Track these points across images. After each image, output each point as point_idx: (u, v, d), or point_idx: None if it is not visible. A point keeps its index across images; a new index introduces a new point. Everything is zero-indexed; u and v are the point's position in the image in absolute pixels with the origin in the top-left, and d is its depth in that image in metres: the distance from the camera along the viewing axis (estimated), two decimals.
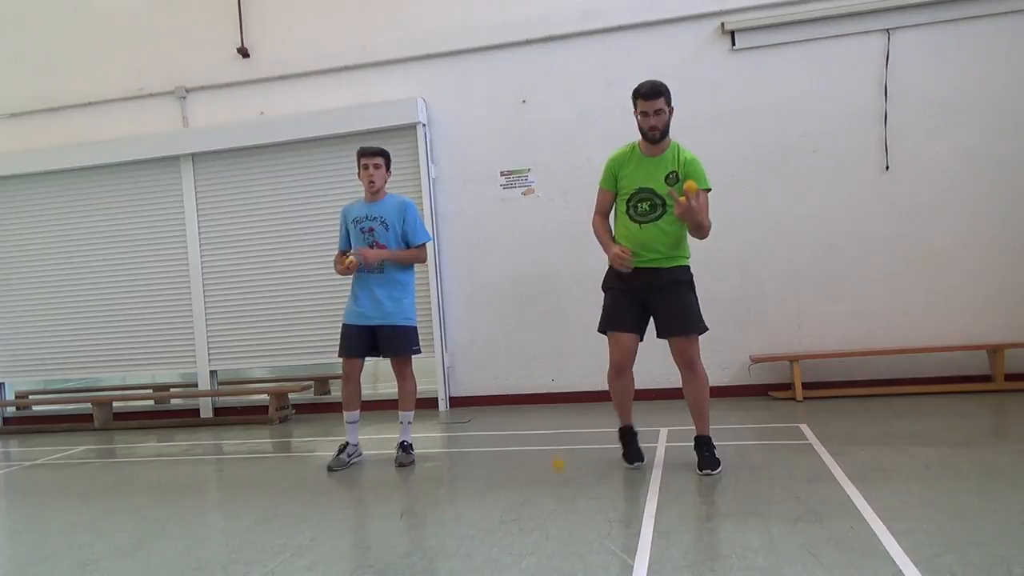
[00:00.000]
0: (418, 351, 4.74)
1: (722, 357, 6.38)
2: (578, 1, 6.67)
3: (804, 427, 4.94)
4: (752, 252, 6.38)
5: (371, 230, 4.58)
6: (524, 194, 6.81)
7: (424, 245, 4.71)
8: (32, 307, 7.81)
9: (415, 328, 4.72)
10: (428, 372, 7.34)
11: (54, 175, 7.70)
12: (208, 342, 7.40)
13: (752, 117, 6.36)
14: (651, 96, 3.91)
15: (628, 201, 4.03)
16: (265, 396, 7.11)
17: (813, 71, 6.28)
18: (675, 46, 6.51)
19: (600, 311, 4.19)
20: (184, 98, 7.53)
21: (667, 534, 3.04)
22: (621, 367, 4.10)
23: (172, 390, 8.64)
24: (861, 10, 6.13)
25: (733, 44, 6.40)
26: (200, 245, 7.41)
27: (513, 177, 6.83)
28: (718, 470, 3.95)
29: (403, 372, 4.71)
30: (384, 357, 4.71)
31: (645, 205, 3.99)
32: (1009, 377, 5.85)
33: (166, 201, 7.50)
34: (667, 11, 6.50)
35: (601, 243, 4.14)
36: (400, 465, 4.62)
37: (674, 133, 6.33)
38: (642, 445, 4.61)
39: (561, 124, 6.68)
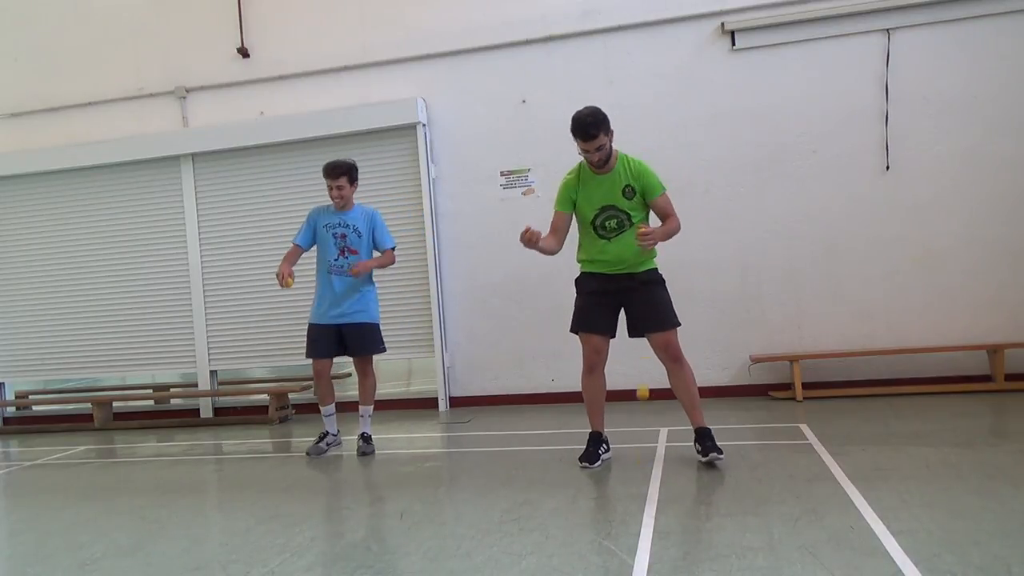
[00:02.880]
0: (383, 349, 5.12)
1: (722, 357, 6.38)
2: (578, 1, 6.67)
3: (804, 427, 4.94)
4: (752, 252, 6.38)
5: (343, 236, 4.99)
6: (524, 194, 6.81)
7: (392, 250, 5.13)
8: (32, 307, 7.81)
9: (379, 326, 5.10)
10: (428, 372, 7.35)
11: (54, 175, 7.69)
12: (208, 342, 7.40)
13: (752, 117, 6.36)
14: (588, 139, 3.94)
15: (594, 221, 4.12)
16: (265, 396, 7.11)
17: (813, 71, 6.28)
18: (675, 46, 6.51)
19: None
20: (184, 98, 7.53)
21: (667, 534, 3.04)
22: (592, 365, 4.23)
23: (172, 390, 8.63)
24: (861, 10, 6.13)
25: (733, 44, 6.40)
26: (200, 245, 7.40)
27: (513, 177, 6.83)
28: (723, 456, 4.02)
29: (366, 369, 5.07)
30: (352, 356, 5.06)
31: (612, 222, 4.09)
32: (1009, 377, 5.85)
33: (166, 201, 7.49)
34: (667, 11, 6.50)
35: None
36: (362, 455, 4.98)
37: (674, 133, 6.38)
38: (642, 445, 4.61)
39: (561, 124, 6.53)
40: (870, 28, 6.17)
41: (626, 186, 4.07)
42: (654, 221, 4.21)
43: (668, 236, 4.08)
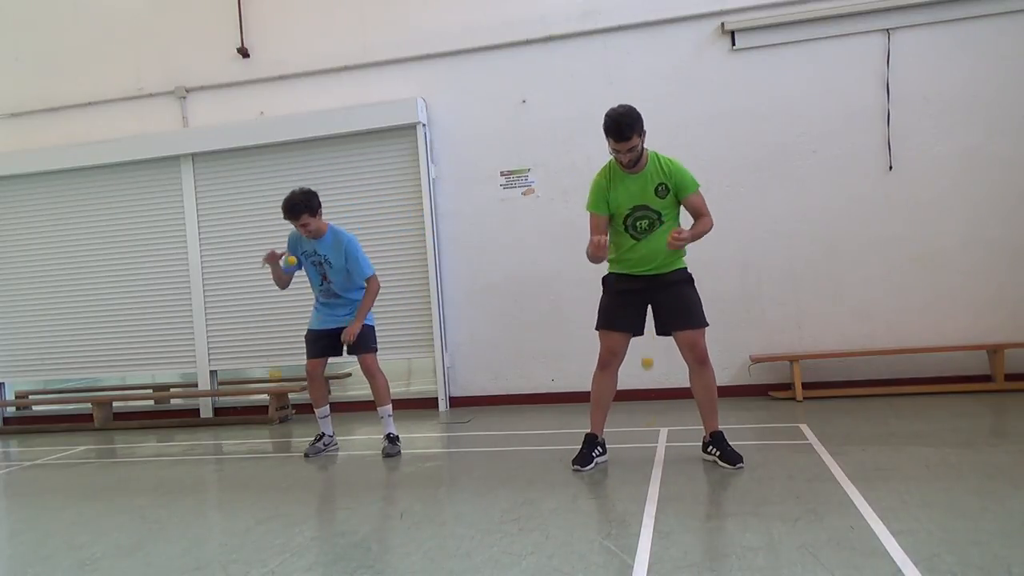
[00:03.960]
0: (374, 348, 5.09)
1: (722, 357, 6.35)
2: (578, 1, 6.67)
3: (804, 427, 4.94)
4: (752, 252, 6.38)
5: (321, 264, 5.03)
6: (524, 194, 6.81)
7: (372, 277, 5.02)
8: (32, 307, 7.81)
9: (372, 327, 5.10)
10: (428, 372, 7.35)
11: (54, 175, 7.69)
12: (208, 342, 7.40)
13: (752, 117, 6.36)
14: (621, 139, 3.83)
15: (625, 220, 4.06)
16: (265, 396, 7.11)
17: (813, 71, 6.28)
18: (675, 46, 6.51)
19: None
20: (184, 98, 7.53)
21: (667, 534, 3.04)
22: (606, 363, 4.22)
23: (172, 390, 8.63)
24: (861, 10, 6.13)
25: (733, 44, 6.40)
26: (200, 245, 7.40)
27: (513, 177, 6.83)
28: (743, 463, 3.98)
29: (370, 370, 5.06)
30: (350, 355, 5.13)
31: (644, 223, 4.04)
32: (1009, 377, 5.85)
33: (166, 201, 7.49)
34: (667, 11, 6.50)
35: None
36: (387, 455, 4.92)
37: (674, 133, 6.38)
38: (642, 445, 4.60)
39: (561, 124, 6.68)
40: (870, 28, 6.17)
41: (659, 184, 3.98)
42: (685, 219, 4.13)
43: (698, 237, 3.99)
